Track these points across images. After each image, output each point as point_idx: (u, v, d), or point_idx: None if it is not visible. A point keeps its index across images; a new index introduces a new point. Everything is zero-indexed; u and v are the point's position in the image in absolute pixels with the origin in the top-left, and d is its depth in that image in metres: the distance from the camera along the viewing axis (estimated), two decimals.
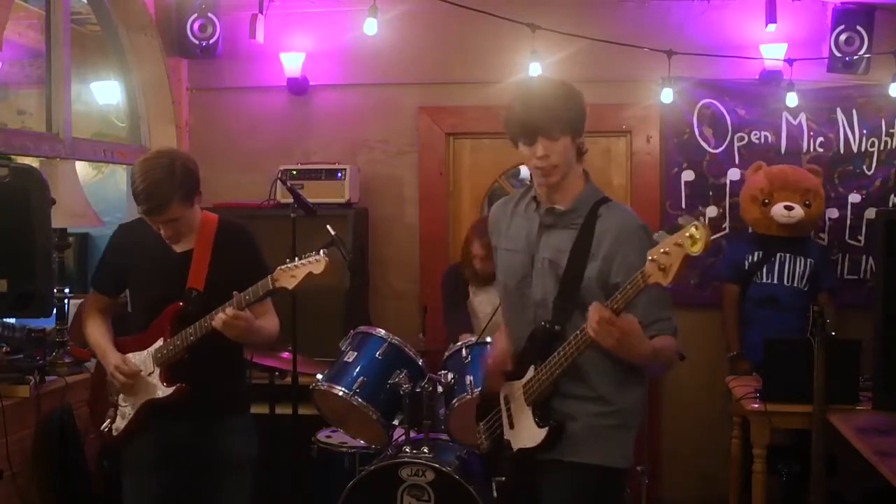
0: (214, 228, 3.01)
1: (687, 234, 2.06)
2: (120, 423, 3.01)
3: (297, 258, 2.80)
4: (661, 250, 2.11)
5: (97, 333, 3.07)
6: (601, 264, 2.43)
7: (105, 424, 3.05)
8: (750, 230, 4.74)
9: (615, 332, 2.24)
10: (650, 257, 2.13)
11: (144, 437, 2.99)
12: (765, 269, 4.50)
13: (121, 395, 3.02)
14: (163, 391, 2.95)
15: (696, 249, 2.04)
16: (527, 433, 2.57)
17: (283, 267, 2.80)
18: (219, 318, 2.80)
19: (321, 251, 2.78)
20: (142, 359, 2.98)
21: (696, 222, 2.06)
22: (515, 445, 2.62)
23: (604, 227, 2.47)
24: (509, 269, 2.63)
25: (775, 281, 4.48)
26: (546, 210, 2.56)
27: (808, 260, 4.48)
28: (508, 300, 2.67)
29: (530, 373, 2.53)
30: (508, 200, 2.74)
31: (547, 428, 2.50)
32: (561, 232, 2.52)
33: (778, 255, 4.49)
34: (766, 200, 4.50)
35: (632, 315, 2.27)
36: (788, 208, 4.44)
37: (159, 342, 2.95)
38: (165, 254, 2.97)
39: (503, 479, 2.73)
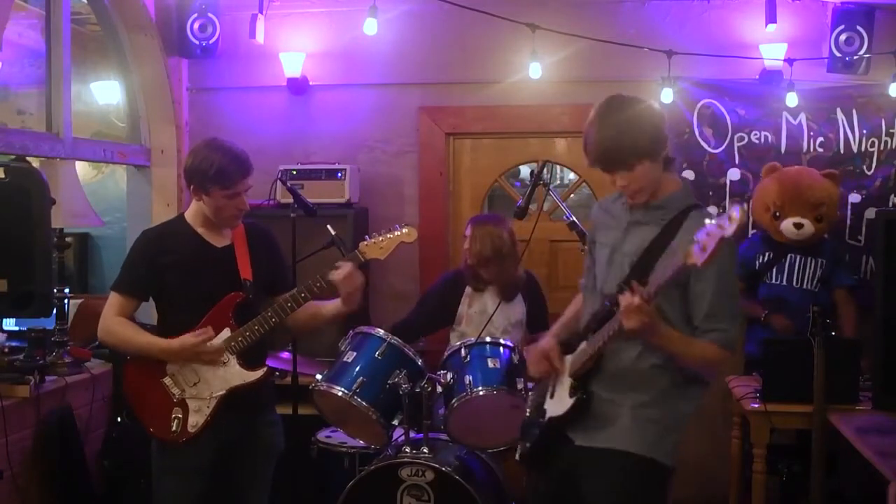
0: (242, 225, 3.15)
1: (727, 216, 2.14)
2: (197, 419, 3.00)
3: (381, 232, 3.12)
4: (706, 232, 2.17)
5: (144, 336, 3.05)
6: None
7: (175, 426, 3.00)
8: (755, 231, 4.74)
9: (643, 317, 2.34)
10: (695, 239, 2.19)
11: (209, 435, 3.01)
12: (774, 271, 4.45)
13: (189, 391, 3.01)
14: (248, 376, 3.03)
15: (730, 231, 2.14)
16: (559, 403, 2.69)
17: (367, 242, 3.11)
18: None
19: (403, 225, 3.14)
20: None
21: (738, 205, 2.15)
22: (548, 414, 2.74)
23: (689, 229, 2.46)
24: (599, 263, 2.73)
25: (784, 282, 4.42)
26: (636, 204, 2.63)
27: (820, 260, 4.41)
28: (587, 292, 2.80)
29: (581, 346, 2.65)
30: (605, 199, 2.85)
31: (574, 399, 2.61)
32: (646, 228, 2.58)
33: (788, 256, 4.43)
34: (777, 213, 4.42)
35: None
36: (798, 226, 4.35)
37: (225, 332, 3.02)
38: (209, 250, 3.08)
39: (528, 444, 2.82)
